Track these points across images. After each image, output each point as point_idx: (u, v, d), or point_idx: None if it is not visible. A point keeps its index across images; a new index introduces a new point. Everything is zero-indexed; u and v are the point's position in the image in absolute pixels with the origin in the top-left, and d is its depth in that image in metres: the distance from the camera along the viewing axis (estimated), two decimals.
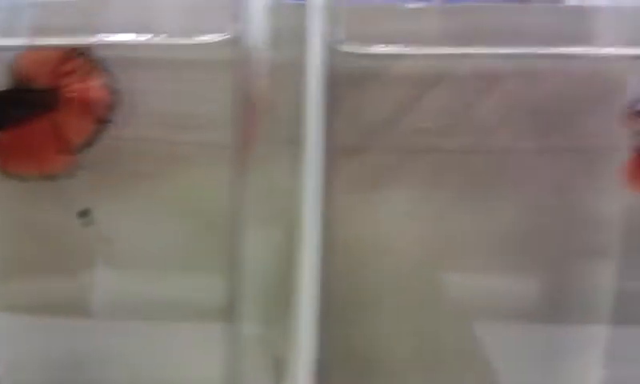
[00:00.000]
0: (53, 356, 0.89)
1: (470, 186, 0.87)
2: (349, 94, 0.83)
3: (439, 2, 0.87)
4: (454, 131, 0.86)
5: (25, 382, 0.90)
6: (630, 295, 0.86)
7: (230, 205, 0.82)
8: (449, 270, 0.90)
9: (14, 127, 0.79)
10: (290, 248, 0.80)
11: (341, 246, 0.86)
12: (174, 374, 0.89)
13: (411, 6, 0.86)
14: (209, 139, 0.82)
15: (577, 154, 0.83)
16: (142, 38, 0.78)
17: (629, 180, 0.78)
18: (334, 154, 0.77)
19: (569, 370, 0.91)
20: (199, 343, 0.87)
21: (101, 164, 0.82)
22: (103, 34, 0.78)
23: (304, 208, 0.75)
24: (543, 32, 0.82)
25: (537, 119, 0.85)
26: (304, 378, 0.78)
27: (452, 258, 0.89)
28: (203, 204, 0.85)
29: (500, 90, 0.84)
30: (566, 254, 0.88)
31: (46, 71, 0.78)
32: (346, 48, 0.76)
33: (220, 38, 0.79)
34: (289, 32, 0.78)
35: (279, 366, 0.85)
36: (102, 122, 0.75)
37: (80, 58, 0.78)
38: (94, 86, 0.75)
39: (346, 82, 0.81)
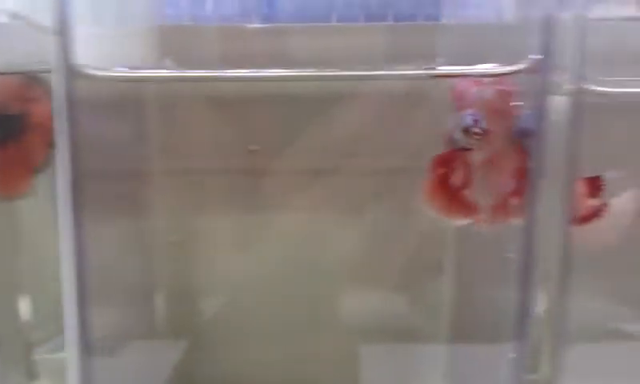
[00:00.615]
0: None
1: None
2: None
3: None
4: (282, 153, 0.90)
5: None
6: (465, 310, 0.90)
7: None
8: None
9: None
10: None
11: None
12: None
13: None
14: None
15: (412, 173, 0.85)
16: None
17: (428, 199, 0.78)
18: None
19: None
20: None
21: None
22: None
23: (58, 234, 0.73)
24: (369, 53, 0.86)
25: (361, 141, 0.89)
26: None
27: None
28: None
29: (325, 112, 0.89)
30: (408, 271, 0.92)
31: (11, 97, 0.83)
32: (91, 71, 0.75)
33: None
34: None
35: None
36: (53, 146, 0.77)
37: (39, 84, 0.83)
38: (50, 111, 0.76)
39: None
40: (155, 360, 0.94)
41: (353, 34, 0.90)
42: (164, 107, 0.90)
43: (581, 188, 0.83)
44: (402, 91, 0.85)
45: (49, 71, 0.72)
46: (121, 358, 0.90)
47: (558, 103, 0.72)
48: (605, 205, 0.84)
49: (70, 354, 0.73)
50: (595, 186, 0.84)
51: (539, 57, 0.70)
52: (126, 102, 0.89)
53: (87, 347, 0.73)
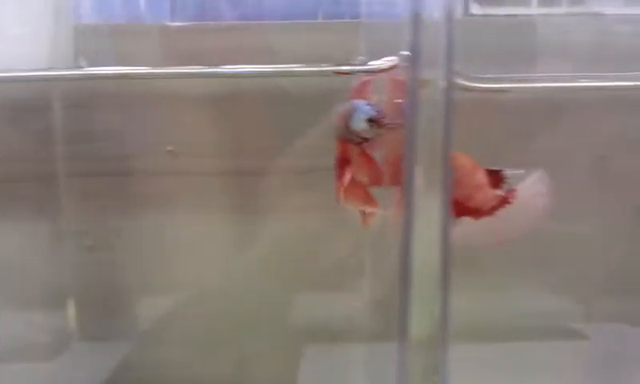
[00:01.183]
0: None
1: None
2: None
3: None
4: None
5: None
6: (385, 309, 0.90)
7: None
8: None
9: None
10: None
11: None
12: None
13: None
14: None
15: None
16: None
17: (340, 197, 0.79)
18: None
19: None
20: None
21: None
22: None
23: None
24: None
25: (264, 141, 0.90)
26: None
27: None
28: None
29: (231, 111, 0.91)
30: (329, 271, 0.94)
31: None
32: None
33: None
34: None
35: None
36: None
37: None
38: None
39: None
40: (70, 364, 0.93)
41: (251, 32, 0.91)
42: (79, 107, 0.91)
43: (483, 179, 0.83)
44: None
45: None
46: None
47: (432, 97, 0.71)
48: (511, 192, 0.84)
49: None
50: (497, 177, 0.84)
51: (408, 53, 0.70)
52: (36, 102, 0.90)
53: None
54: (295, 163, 0.90)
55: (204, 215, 0.95)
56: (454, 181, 0.79)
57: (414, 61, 0.68)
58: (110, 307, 0.98)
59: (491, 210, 0.83)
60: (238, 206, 0.94)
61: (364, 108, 0.75)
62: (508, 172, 0.83)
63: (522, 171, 0.83)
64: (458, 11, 0.97)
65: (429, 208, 0.73)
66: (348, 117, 0.75)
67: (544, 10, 0.99)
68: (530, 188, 0.83)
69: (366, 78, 0.78)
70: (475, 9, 1.01)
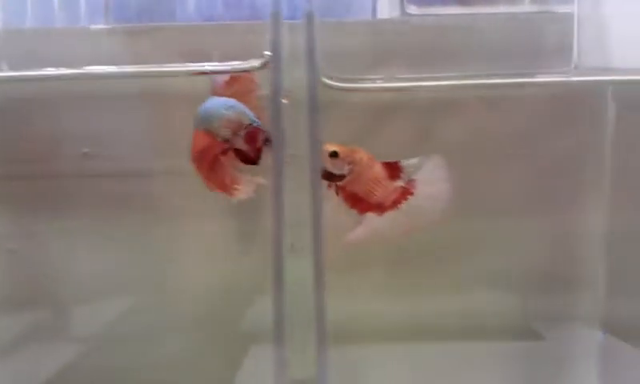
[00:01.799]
0: None
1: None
2: None
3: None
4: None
5: None
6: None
7: None
8: None
9: None
10: None
11: None
12: None
13: None
14: None
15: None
16: None
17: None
18: None
19: None
20: None
21: None
22: None
23: None
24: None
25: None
26: None
27: None
28: None
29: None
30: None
31: None
32: None
33: None
34: None
35: None
36: None
37: None
38: None
39: None
40: None
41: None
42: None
43: (382, 172, 0.82)
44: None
45: None
46: None
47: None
48: (411, 182, 0.83)
49: None
50: (395, 168, 0.83)
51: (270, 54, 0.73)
52: None
53: None
54: None
55: (120, 217, 0.95)
56: (352, 177, 0.80)
57: (274, 61, 0.65)
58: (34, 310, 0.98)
59: (394, 203, 0.82)
60: (154, 207, 0.93)
61: (222, 105, 0.76)
62: (404, 162, 0.82)
63: (417, 160, 0.81)
64: (395, 11, 0.99)
65: (299, 210, 0.73)
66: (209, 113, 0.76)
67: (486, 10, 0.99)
68: (429, 175, 0.82)
69: (221, 77, 0.79)
70: (411, 9, 1.00)
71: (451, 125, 0.94)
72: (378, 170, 0.82)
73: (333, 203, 0.81)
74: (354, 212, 0.82)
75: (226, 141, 0.76)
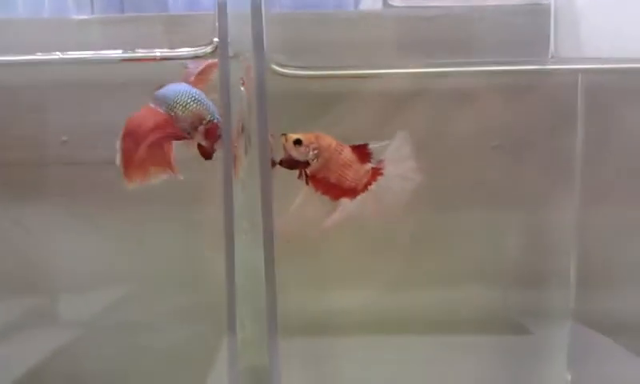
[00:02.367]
0: None
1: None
2: None
3: None
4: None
5: None
6: None
7: None
8: None
9: None
10: None
11: None
12: None
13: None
14: None
15: None
16: None
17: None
18: None
19: None
20: None
21: None
22: None
23: None
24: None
25: None
26: None
27: None
28: None
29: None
30: None
31: None
32: None
33: None
34: None
35: None
36: None
37: None
38: None
39: None
40: None
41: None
42: None
43: (351, 156, 0.82)
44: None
45: None
46: None
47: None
48: (380, 162, 0.83)
49: None
50: (363, 151, 0.82)
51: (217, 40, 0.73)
52: None
53: None
54: None
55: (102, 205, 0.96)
56: (321, 163, 0.81)
57: (222, 48, 0.66)
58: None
59: (365, 186, 0.82)
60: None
61: (190, 96, 0.77)
62: (372, 145, 0.82)
63: (387, 142, 0.82)
64: (378, 3, 1.00)
65: (250, 203, 0.73)
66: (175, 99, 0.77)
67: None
68: (396, 154, 0.82)
69: (206, 66, 0.79)
70: (395, 1, 1.00)
71: (420, 116, 0.95)
72: (348, 155, 0.82)
73: (303, 192, 0.81)
74: (326, 198, 0.82)
75: (185, 131, 0.76)
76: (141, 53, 0.82)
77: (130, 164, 0.76)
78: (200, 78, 0.78)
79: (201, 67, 0.79)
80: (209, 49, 0.78)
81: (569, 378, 1.01)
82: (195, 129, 0.76)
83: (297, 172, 0.81)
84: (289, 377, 0.81)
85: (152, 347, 0.97)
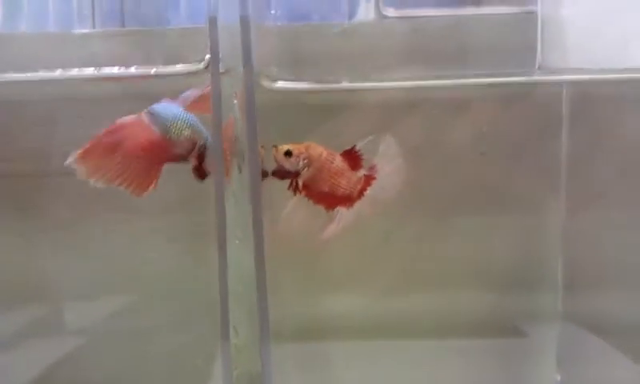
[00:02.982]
0: None
1: None
2: None
3: None
4: None
5: None
6: None
7: None
8: None
9: None
10: None
11: None
12: None
13: None
14: None
15: None
16: None
17: None
18: None
19: None
20: None
21: None
22: None
23: None
24: None
25: None
26: None
27: None
28: None
29: None
30: None
31: None
32: None
33: None
34: None
35: None
36: None
37: None
38: None
39: None
40: None
41: None
42: None
43: (342, 164, 0.85)
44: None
45: None
46: None
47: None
48: (372, 168, 0.86)
49: None
50: (354, 157, 0.85)
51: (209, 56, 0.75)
52: None
53: None
54: None
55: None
56: (313, 173, 0.83)
57: (213, 62, 0.68)
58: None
59: (360, 193, 0.85)
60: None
61: (184, 122, 0.79)
62: (359, 146, 0.84)
63: (372, 137, 0.84)
64: (371, 13, 1.01)
65: (241, 212, 0.75)
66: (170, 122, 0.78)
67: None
68: (385, 155, 0.85)
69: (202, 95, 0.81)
70: (389, 11, 1.01)
71: (412, 124, 0.97)
72: (339, 164, 0.84)
73: (293, 201, 0.84)
74: (320, 208, 0.85)
75: (178, 155, 0.79)
76: (134, 70, 0.84)
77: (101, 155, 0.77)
78: (196, 105, 0.80)
79: (198, 95, 0.81)
80: (201, 65, 0.80)
81: (558, 378, 1.02)
82: (189, 153, 0.79)
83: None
84: (284, 382, 0.83)
85: (152, 354, 0.98)
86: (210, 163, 0.78)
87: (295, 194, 0.84)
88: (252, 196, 0.74)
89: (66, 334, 1.01)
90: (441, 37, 0.98)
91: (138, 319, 0.99)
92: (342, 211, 0.85)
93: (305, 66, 0.95)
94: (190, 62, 0.83)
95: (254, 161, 0.74)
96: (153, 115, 0.78)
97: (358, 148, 0.84)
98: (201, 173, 0.79)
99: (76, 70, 0.85)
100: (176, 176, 0.79)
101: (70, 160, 0.74)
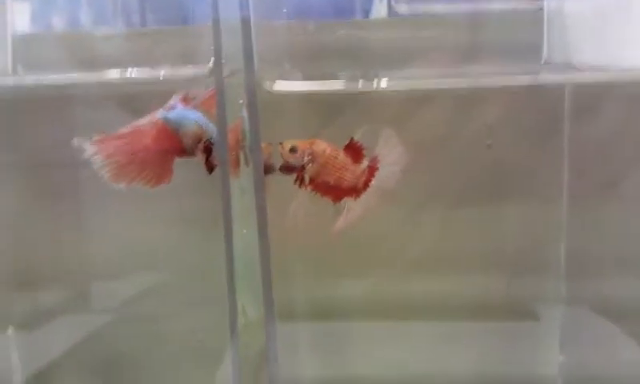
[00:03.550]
0: None
1: None
2: None
3: None
4: None
5: None
6: None
7: None
8: None
9: None
10: None
11: None
12: None
13: None
14: None
15: None
16: None
17: None
18: None
19: None
20: None
21: None
22: None
23: None
24: None
25: None
26: None
27: None
28: None
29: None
30: None
31: None
32: None
33: None
34: None
35: None
36: None
37: None
38: None
39: None
40: None
41: None
42: None
43: (345, 158, 0.88)
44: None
45: None
46: None
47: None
48: (374, 159, 0.89)
49: None
50: (356, 150, 0.89)
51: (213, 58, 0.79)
52: None
53: None
54: None
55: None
56: (317, 168, 0.87)
57: (216, 63, 0.72)
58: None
59: (365, 184, 0.89)
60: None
61: (193, 119, 0.84)
62: (357, 137, 0.87)
63: (366, 127, 0.88)
64: (383, 11, 1.03)
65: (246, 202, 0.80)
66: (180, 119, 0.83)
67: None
68: (386, 146, 0.88)
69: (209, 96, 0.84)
70: (401, 8, 1.03)
71: (420, 118, 0.99)
72: (343, 157, 0.88)
73: (298, 195, 0.88)
74: (326, 199, 0.88)
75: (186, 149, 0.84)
76: (145, 72, 0.89)
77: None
78: (206, 102, 0.85)
79: (208, 95, 0.85)
80: (206, 70, 0.84)
81: (561, 359, 1.05)
82: (195, 146, 0.83)
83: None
84: (295, 361, 0.86)
85: (169, 334, 1.03)
86: (216, 157, 0.82)
87: (301, 188, 0.87)
88: (256, 187, 0.78)
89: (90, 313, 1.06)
90: (451, 32, 1.00)
91: (160, 302, 1.03)
92: (349, 203, 0.88)
93: (318, 62, 0.98)
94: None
95: (257, 157, 0.78)
96: (166, 116, 0.84)
97: (355, 140, 0.88)
98: (209, 166, 0.83)
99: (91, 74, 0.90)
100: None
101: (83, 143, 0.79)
